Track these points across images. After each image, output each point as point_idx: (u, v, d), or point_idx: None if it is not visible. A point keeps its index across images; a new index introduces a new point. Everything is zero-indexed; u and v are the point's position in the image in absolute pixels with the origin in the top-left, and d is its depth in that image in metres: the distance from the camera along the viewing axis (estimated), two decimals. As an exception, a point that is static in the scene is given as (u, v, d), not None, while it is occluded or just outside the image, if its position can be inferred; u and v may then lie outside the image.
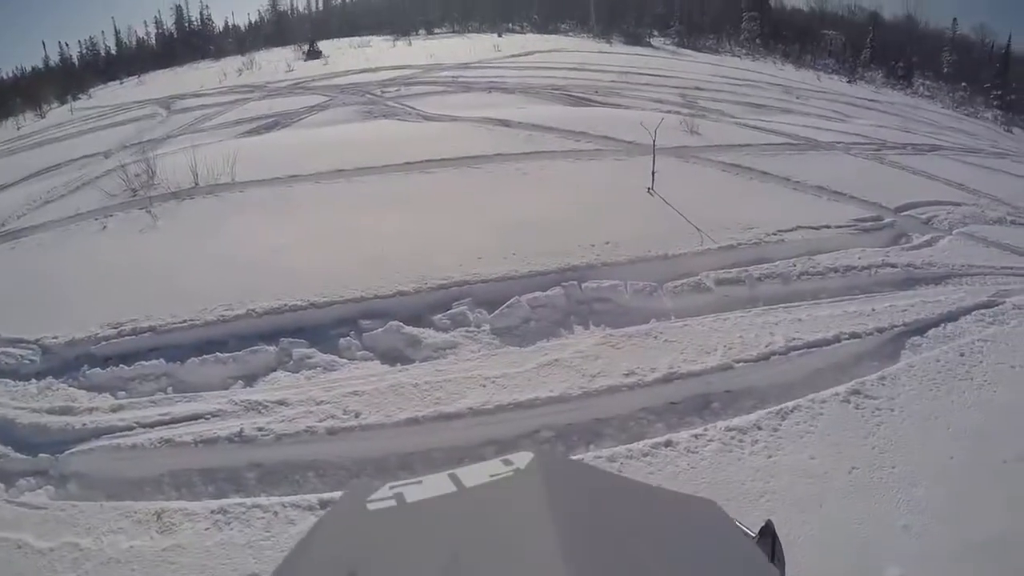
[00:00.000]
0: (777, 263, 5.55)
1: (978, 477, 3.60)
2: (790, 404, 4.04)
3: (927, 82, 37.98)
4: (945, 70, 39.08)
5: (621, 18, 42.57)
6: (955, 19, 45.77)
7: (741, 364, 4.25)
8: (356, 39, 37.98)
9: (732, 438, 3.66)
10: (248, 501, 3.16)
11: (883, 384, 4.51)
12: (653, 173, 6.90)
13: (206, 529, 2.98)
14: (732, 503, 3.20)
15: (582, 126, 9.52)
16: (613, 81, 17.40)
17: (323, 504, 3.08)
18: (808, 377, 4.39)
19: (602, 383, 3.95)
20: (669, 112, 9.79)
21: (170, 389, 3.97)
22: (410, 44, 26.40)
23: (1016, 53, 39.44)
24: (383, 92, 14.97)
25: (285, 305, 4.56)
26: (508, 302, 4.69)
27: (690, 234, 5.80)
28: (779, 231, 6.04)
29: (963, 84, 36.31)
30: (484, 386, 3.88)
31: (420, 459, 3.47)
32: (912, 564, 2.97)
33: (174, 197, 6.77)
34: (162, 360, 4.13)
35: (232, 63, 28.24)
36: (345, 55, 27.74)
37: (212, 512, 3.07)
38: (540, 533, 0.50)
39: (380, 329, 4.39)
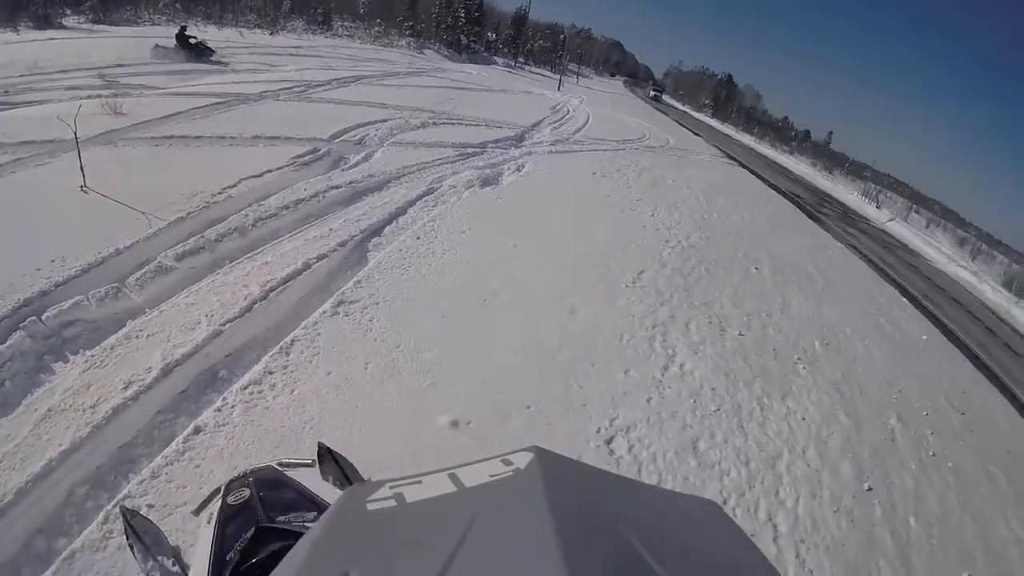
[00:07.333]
0: (230, 219, 5.77)
1: (461, 330, 4.68)
2: (288, 339, 4.43)
3: (346, 23, 42.52)
4: (361, 10, 44.40)
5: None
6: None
7: (228, 325, 4.39)
8: None
9: (251, 393, 3.84)
10: None
11: (360, 286, 5.30)
12: (82, 168, 6.23)
13: None
14: (281, 447, 3.43)
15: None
16: (23, 76, 14.72)
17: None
18: (294, 309, 4.86)
19: (106, 408, 3.56)
20: (88, 97, 8.80)
21: None
22: None
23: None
24: None
25: None
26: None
27: (137, 220, 5.52)
28: (224, 189, 6.26)
29: (378, 20, 42.17)
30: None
31: None
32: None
33: None
34: None
35: None
36: None
37: None
38: (540, 533, 0.52)
39: None
